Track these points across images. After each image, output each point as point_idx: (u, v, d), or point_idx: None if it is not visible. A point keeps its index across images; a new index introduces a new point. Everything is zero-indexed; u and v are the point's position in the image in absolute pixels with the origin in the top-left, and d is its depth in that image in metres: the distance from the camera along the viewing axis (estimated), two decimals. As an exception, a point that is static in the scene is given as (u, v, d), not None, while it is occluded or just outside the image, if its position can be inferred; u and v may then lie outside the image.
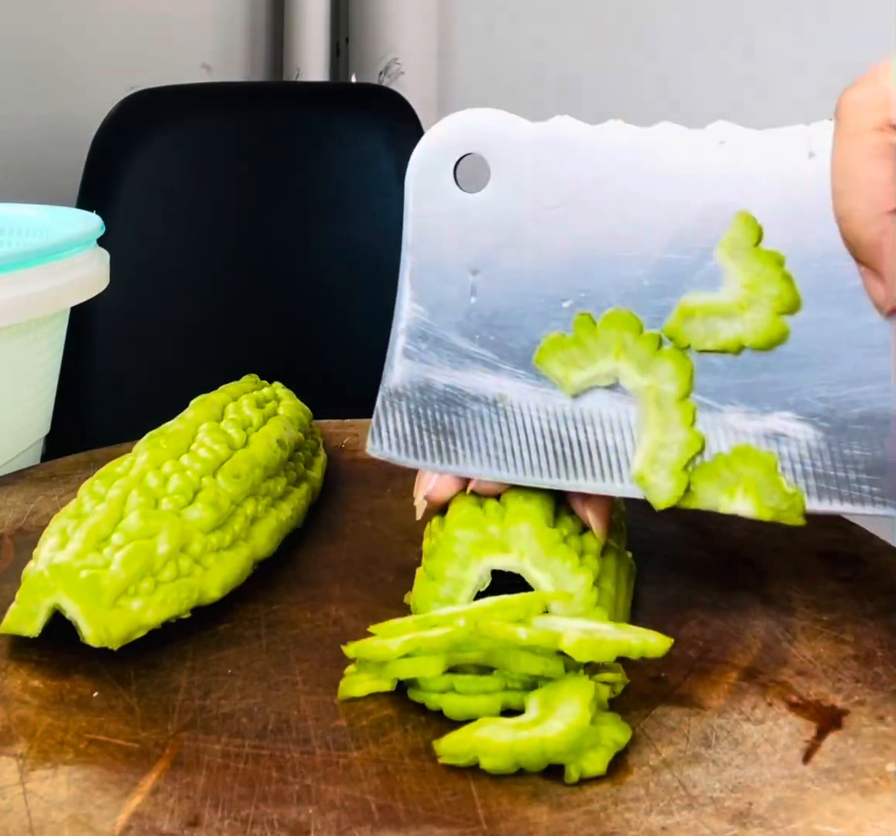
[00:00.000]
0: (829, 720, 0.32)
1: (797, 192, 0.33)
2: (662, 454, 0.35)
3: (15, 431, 0.55)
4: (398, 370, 0.38)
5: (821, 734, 0.31)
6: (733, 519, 0.45)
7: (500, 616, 0.31)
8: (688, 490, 0.35)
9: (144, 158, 0.97)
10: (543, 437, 0.36)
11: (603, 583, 0.35)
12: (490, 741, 0.29)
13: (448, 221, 0.37)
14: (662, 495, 0.35)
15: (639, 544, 0.42)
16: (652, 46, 1.24)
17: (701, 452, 0.35)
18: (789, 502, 0.34)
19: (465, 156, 0.37)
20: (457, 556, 0.35)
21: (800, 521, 0.34)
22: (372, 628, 0.32)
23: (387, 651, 0.31)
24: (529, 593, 0.32)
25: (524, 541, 0.34)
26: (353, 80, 1.21)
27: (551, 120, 0.36)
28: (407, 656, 0.31)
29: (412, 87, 1.15)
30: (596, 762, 0.29)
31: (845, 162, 0.31)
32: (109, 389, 0.98)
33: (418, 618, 0.31)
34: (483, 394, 0.37)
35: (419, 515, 0.39)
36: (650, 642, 0.31)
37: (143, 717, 0.32)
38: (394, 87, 1.11)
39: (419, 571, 0.37)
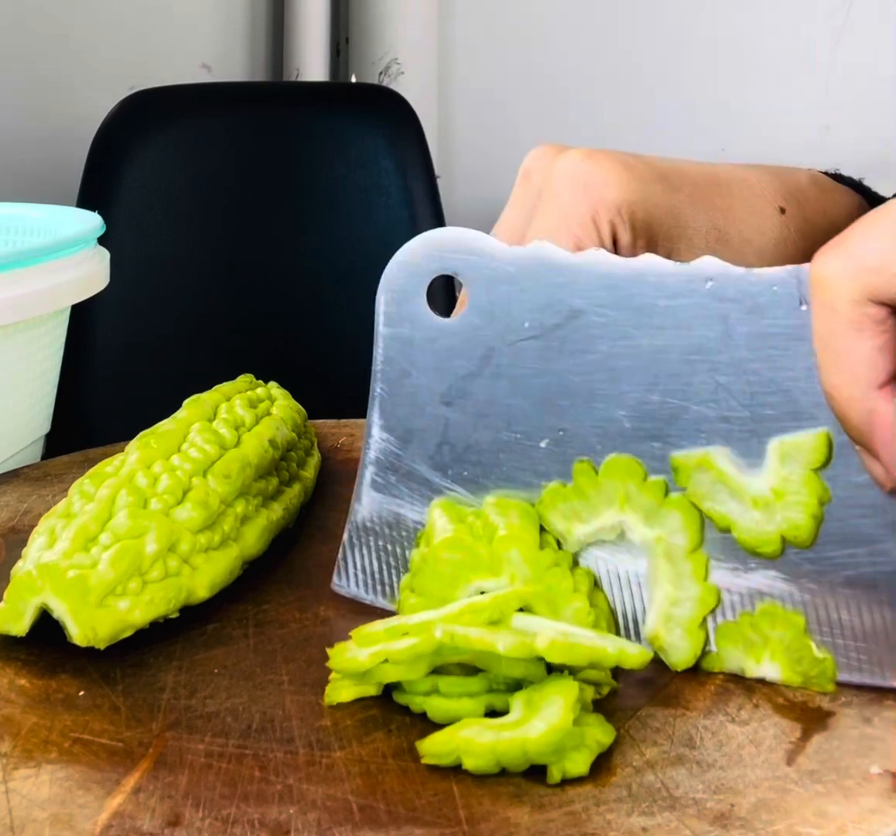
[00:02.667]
0: (814, 721, 0.32)
1: (785, 341, 0.31)
2: (676, 612, 0.33)
3: (15, 429, 0.55)
4: (366, 503, 0.37)
5: (806, 736, 0.31)
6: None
7: (471, 620, 0.30)
8: (711, 651, 0.34)
9: (144, 158, 0.98)
10: None
11: (596, 599, 0.34)
12: (472, 741, 0.29)
13: (420, 346, 0.35)
14: (680, 655, 0.34)
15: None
16: (653, 48, 1.24)
17: (716, 607, 0.33)
18: (819, 667, 0.33)
19: (438, 277, 0.35)
20: (445, 576, 0.34)
21: (831, 687, 0.33)
22: (352, 633, 0.32)
23: (356, 663, 0.31)
24: (500, 594, 0.32)
25: (515, 565, 0.33)
26: (353, 80, 1.21)
27: (530, 245, 0.34)
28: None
29: (412, 87, 1.15)
30: (578, 763, 0.29)
31: (824, 336, 0.29)
32: (109, 389, 0.98)
33: (390, 626, 0.31)
34: None
35: None
36: (628, 653, 0.30)
37: (128, 716, 0.32)
38: (394, 87, 1.11)
39: (403, 585, 0.36)
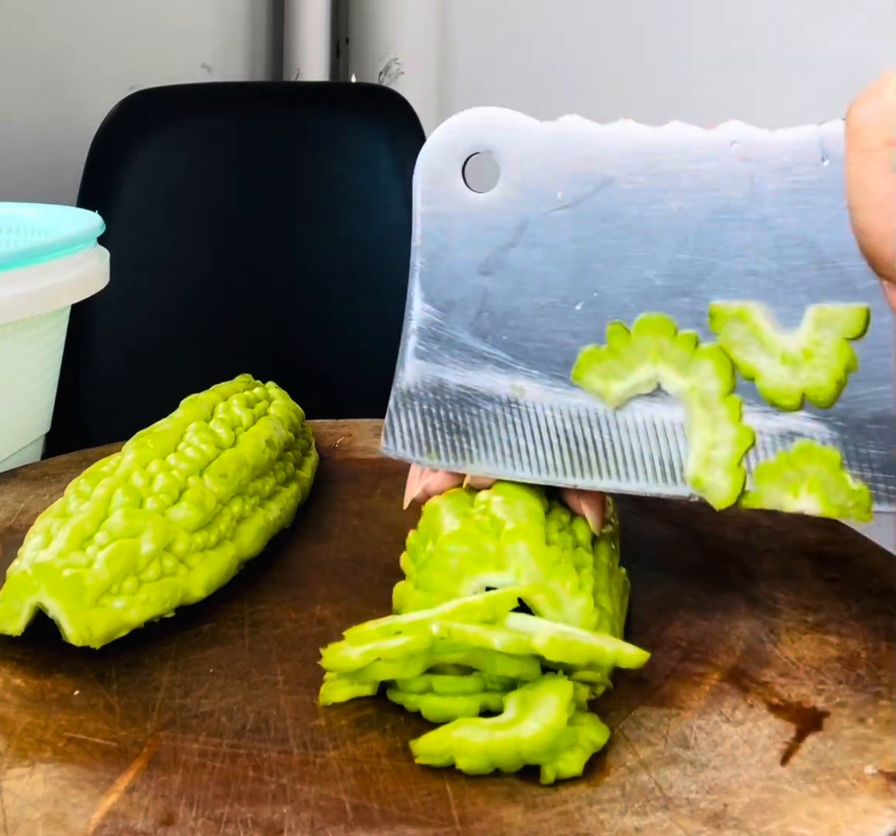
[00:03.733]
0: (809, 721, 0.32)
1: (809, 195, 0.33)
2: (715, 454, 0.35)
3: (14, 428, 0.55)
4: (410, 371, 0.38)
5: (800, 736, 0.31)
6: (726, 520, 0.45)
7: (464, 620, 0.30)
8: (751, 490, 0.35)
9: (144, 158, 0.98)
10: (559, 436, 0.36)
11: (600, 600, 0.34)
12: (466, 741, 0.29)
13: (457, 221, 0.37)
14: (721, 494, 0.35)
15: (627, 544, 0.42)
16: (653, 48, 1.24)
17: (752, 446, 0.35)
18: (856, 498, 0.34)
19: (473, 155, 0.37)
20: (451, 570, 0.34)
21: (867, 517, 0.34)
22: (345, 633, 0.32)
23: (349, 661, 0.31)
24: (494, 594, 0.32)
25: (521, 560, 0.33)
26: (353, 80, 1.21)
27: (561, 119, 0.36)
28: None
29: (412, 87, 1.15)
30: (572, 763, 0.29)
31: (859, 179, 0.31)
32: (109, 389, 0.98)
33: (383, 625, 0.31)
34: (497, 394, 0.37)
35: (406, 504, 0.39)
36: (625, 652, 0.31)
37: (123, 716, 0.32)
38: (394, 87, 1.11)
39: (404, 584, 0.36)
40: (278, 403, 0.49)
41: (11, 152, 1.08)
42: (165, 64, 1.12)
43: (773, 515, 0.41)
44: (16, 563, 0.36)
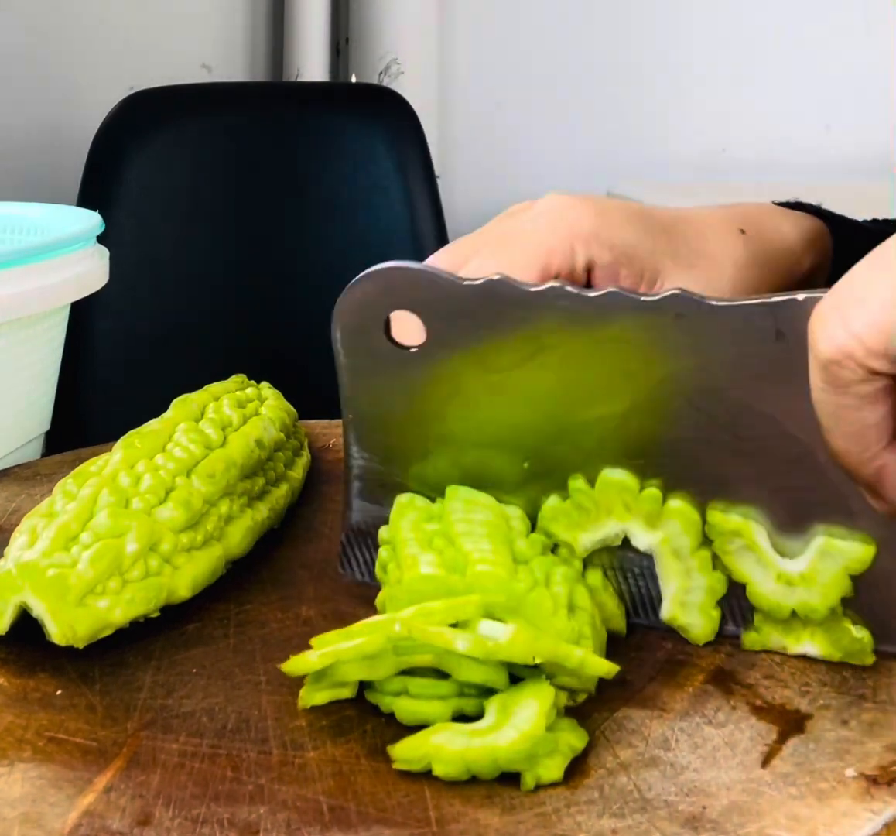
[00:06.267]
0: (792, 723, 0.31)
1: (763, 369, 0.31)
2: (689, 598, 0.35)
3: (14, 426, 0.55)
4: (357, 510, 0.38)
5: (782, 738, 0.31)
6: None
7: (424, 623, 0.30)
8: (753, 630, 0.35)
9: (144, 158, 0.98)
10: None
11: (576, 603, 0.33)
12: (443, 747, 0.28)
13: (385, 375, 0.35)
14: (697, 631, 0.35)
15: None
16: (653, 48, 1.24)
17: (726, 592, 0.35)
18: (859, 645, 0.34)
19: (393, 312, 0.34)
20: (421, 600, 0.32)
21: (869, 660, 0.34)
22: (312, 641, 0.32)
23: (307, 664, 0.31)
24: (457, 599, 0.31)
25: (491, 594, 0.31)
26: (353, 80, 1.22)
27: (486, 279, 0.33)
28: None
29: (412, 87, 1.15)
30: (552, 769, 0.28)
31: (832, 410, 0.30)
32: (108, 388, 0.99)
33: (342, 629, 0.31)
34: None
35: None
36: (594, 658, 0.30)
37: (104, 715, 0.32)
38: (394, 87, 1.11)
39: (386, 590, 0.35)
40: (270, 403, 0.49)
41: (11, 152, 1.08)
42: (165, 64, 1.13)
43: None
44: (1, 562, 0.36)
